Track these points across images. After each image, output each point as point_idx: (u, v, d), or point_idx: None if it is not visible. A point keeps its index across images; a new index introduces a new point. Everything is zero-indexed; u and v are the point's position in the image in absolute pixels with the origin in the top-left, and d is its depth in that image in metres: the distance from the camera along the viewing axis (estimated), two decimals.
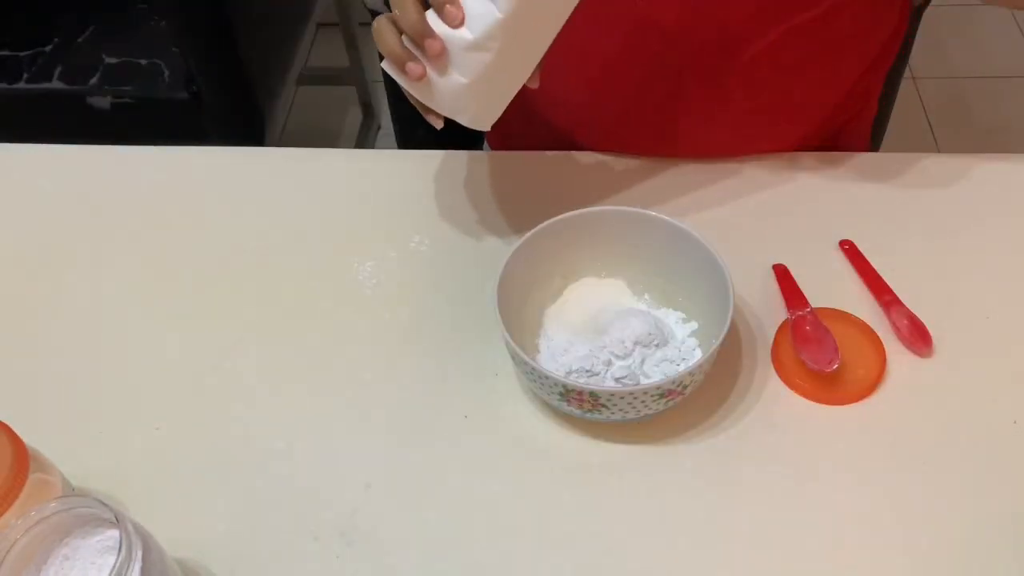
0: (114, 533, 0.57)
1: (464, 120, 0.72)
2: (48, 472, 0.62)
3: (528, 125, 0.94)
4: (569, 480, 0.71)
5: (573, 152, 0.93)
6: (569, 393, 0.68)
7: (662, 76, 0.86)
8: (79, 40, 1.67)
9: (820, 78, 0.89)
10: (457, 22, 0.67)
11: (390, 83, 0.98)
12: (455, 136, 0.81)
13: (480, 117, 0.73)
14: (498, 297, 0.72)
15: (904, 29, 0.94)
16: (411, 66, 0.69)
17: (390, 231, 0.88)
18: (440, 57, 0.68)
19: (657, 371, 0.73)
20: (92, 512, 0.57)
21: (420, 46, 0.68)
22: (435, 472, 0.72)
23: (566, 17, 0.69)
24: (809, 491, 0.69)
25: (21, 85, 1.62)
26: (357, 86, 2.13)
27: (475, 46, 0.67)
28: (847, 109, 0.96)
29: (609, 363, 0.73)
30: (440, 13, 0.67)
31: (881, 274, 0.81)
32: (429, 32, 0.67)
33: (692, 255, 0.75)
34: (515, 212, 0.88)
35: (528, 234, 0.76)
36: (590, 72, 0.87)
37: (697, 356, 0.73)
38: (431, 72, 0.69)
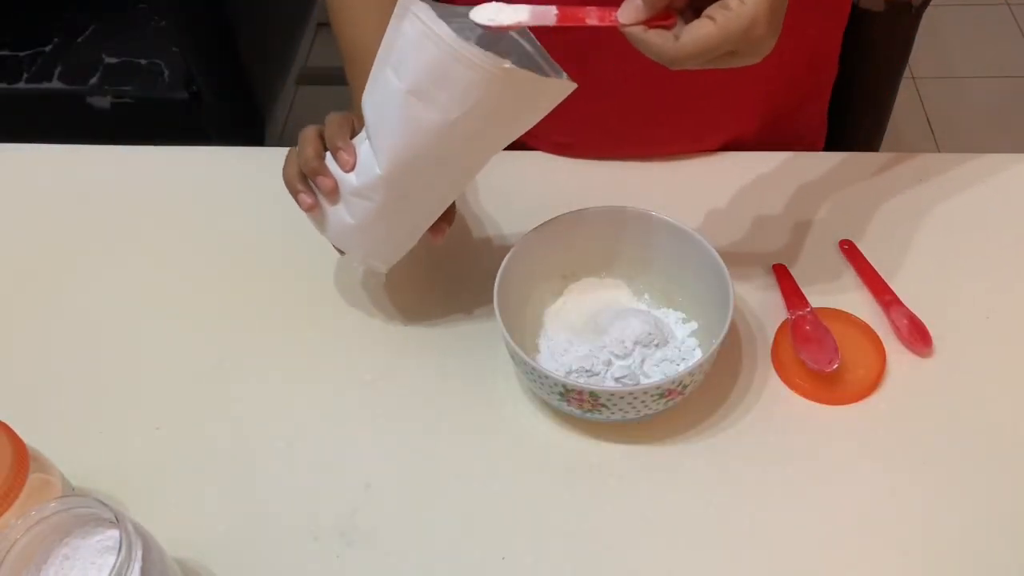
0: (114, 533, 0.57)
1: (356, 259, 0.76)
2: (48, 472, 0.62)
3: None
4: (569, 480, 0.71)
5: (572, 153, 0.93)
6: (569, 393, 0.68)
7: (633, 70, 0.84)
8: (79, 40, 1.67)
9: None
10: (347, 168, 0.70)
11: None
12: None
13: (372, 257, 0.75)
14: (498, 297, 0.72)
15: None
16: (301, 196, 0.73)
17: None
18: (331, 195, 0.72)
19: (657, 371, 0.73)
20: (92, 512, 0.57)
21: (313, 181, 0.72)
22: (435, 472, 0.72)
23: (459, 188, 0.73)
24: (809, 491, 0.69)
25: (21, 85, 1.61)
26: None
27: (359, 193, 0.70)
28: (809, 72, 0.95)
29: (609, 363, 0.73)
30: (334, 156, 0.71)
31: (881, 274, 0.81)
32: (321, 171, 0.71)
33: (692, 255, 0.75)
34: (515, 212, 0.88)
35: (528, 234, 0.76)
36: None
37: (697, 356, 0.73)
38: (324, 205, 0.73)
